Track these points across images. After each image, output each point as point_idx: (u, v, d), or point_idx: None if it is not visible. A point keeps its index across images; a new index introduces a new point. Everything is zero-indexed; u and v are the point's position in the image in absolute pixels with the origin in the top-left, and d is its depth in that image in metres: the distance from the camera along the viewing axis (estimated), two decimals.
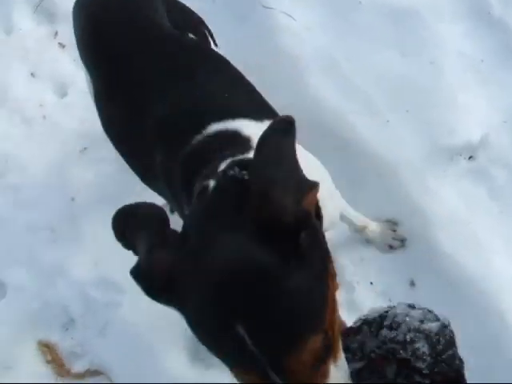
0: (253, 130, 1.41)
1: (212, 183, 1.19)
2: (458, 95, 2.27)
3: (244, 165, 1.18)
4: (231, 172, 1.17)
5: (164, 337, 2.23)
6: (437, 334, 1.05)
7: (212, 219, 1.09)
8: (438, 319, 1.08)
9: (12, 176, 2.50)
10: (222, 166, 1.26)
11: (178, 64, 1.66)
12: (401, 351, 1.02)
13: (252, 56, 2.41)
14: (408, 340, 1.02)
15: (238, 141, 1.40)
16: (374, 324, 1.07)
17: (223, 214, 1.08)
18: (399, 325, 1.03)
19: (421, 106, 2.26)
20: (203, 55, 1.79)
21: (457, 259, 2.07)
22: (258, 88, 2.43)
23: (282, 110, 2.42)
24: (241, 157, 1.29)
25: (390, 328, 1.03)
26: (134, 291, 2.23)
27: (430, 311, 1.10)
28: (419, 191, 2.15)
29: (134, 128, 1.67)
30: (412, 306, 1.09)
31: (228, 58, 2.50)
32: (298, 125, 2.38)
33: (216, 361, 2.20)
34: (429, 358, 1.01)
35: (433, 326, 1.04)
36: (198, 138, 1.44)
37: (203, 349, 2.23)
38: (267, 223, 0.98)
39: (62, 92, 2.60)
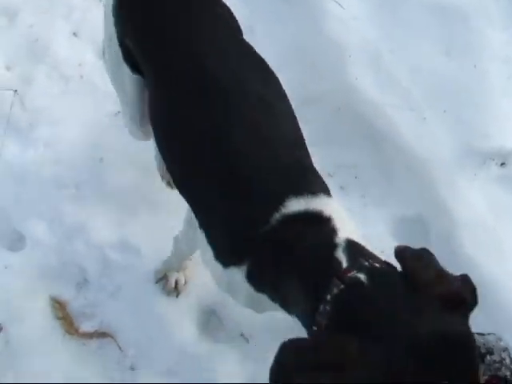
0: (331, 208, 1.43)
1: (362, 276, 1.23)
2: (498, 101, 2.27)
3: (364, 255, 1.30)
4: (366, 263, 1.27)
5: (176, 306, 2.23)
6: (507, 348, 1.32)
7: (395, 304, 1.19)
8: (500, 337, 1.33)
9: (44, 130, 2.50)
10: (342, 257, 1.30)
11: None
12: (502, 368, 1.26)
13: (296, 38, 2.43)
14: (503, 358, 1.27)
15: (323, 225, 1.40)
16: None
17: (401, 300, 1.19)
18: (492, 349, 1.27)
19: (459, 106, 2.26)
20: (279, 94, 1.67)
21: (478, 263, 2.07)
22: (298, 70, 2.44)
23: (321, 96, 2.43)
24: (343, 240, 1.34)
25: (489, 353, 1.27)
26: (153, 257, 2.27)
27: (493, 333, 1.35)
28: (448, 191, 2.15)
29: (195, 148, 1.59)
30: (481, 334, 1.32)
31: (271, 37, 2.50)
32: (335, 112, 2.39)
33: (224, 336, 2.22)
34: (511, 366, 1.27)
35: (502, 343, 1.29)
36: (277, 216, 1.41)
37: (214, 323, 2.25)
38: (446, 302, 1.18)
39: (102, 53, 2.60)
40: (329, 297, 1.23)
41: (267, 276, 1.43)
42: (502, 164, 2.21)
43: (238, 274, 1.47)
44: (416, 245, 2.18)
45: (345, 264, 1.28)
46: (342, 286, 1.23)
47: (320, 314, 1.24)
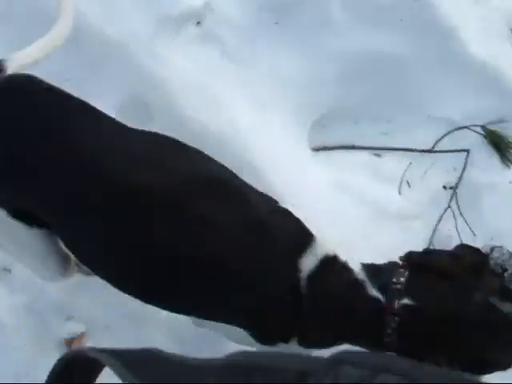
0: (327, 245, 1.48)
1: (407, 301, 1.35)
2: None
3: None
4: (398, 286, 1.38)
5: None
6: None
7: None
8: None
9: None
10: (375, 293, 1.40)
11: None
12: None
13: None
14: None
15: (340, 271, 1.45)
16: None
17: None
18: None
19: None
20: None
21: (200, 120, 2.12)
22: None
23: None
24: (362, 275, 1.43)
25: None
26: None
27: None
28: (151, 63, 2.15)
29: None
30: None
31: None
32: None
33: None
34: None
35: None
36: (304, 283, 1.41)
37: None
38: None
39: None
40: (390, 330, 1.35)
41: (317, 340, 1.46)
42: (198, 23, 2.24)
43: (289, 346, 1.46)
44: (140, 126, 2.18)
45: (380, 297, 1.37)
46: (397, 319, 1.35)
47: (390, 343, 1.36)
